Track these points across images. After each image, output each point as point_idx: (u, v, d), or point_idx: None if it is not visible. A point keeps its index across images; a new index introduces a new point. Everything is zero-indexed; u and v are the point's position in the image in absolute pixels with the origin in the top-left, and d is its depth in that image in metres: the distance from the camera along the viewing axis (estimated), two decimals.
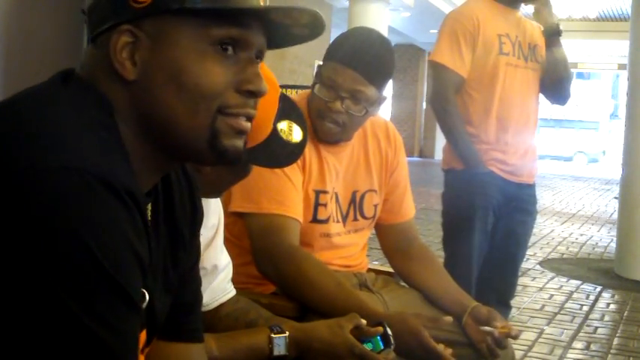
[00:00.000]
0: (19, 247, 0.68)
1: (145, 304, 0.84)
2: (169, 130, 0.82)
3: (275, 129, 1.25)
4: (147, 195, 0.87)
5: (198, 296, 1.05)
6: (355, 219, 1.92)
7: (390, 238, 2.00)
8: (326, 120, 1.78)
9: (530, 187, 2.80)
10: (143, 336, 0.89)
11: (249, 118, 0.86)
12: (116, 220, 0.73)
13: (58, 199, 0.69)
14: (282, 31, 0.88)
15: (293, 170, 1.75)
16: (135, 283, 0.75)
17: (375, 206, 1.94)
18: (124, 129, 0.81)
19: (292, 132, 1.28)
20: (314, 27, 0.88)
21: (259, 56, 0.86)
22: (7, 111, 0.78)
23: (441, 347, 1.59)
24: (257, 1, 0.84)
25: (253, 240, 1.73)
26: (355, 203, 1.91)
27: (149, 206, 0.88)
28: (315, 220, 1.83)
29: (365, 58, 1.75)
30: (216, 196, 1.41)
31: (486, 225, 2.70)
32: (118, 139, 0.80)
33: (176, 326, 0.99)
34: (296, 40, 0.92)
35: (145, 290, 0.83)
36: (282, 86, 1.83)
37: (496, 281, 2.78)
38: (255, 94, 0.85)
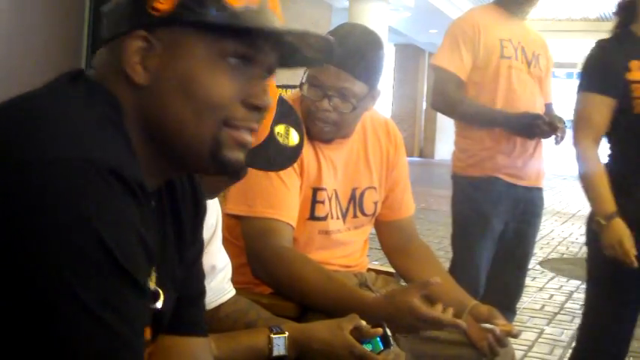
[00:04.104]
0: (30, 233, 0.69)
1: (160, 303, 0.86)
2: (174, 137, 0.84)
3: (272, 132, 1.24)
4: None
5: (201, 289, 1.06)
6: (355, 216, 1.92)
7: (390, 235, 2.01)
8: (316, 120, 1.77)
9: (538, 190, 2.82)
10: (148, 333, 0.89)
11: (252, 132, 0.88)
12: (126, 210, 0.75)
13: (71, 189, 0.71)
14: (295, 52, 0.90)
15: (289, 174, 1.75)
16: (142, 270, 0.77)
17: (375, 203, 1.94)
18: (131, 131, 0.82)
19: (289, 135, 1.28)
20: (326, 52, 0.90)
21: (269, 72, 0.88)
22: (17, 106, 0.79)
23: (438, 309, 1.58)
24: (273, 21, 0.85)
25: (247, 243, 1.74)
26: (355, 200, 1.91)
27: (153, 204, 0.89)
28: (313, 217, 1.83)
29: (346, 54, 1.71)
30: (211, 198, 1.41)
31: (494, 233, 2.72)
32: (126, 138, 0.81)
33: (177, 319, 0.99)
34: (306, 62, 0.94)
35: (159, 289, 0.85)
36: (281, 86, 1.82)
37: (504, 283, 2.79)
38: (260, 109, 0.87)
